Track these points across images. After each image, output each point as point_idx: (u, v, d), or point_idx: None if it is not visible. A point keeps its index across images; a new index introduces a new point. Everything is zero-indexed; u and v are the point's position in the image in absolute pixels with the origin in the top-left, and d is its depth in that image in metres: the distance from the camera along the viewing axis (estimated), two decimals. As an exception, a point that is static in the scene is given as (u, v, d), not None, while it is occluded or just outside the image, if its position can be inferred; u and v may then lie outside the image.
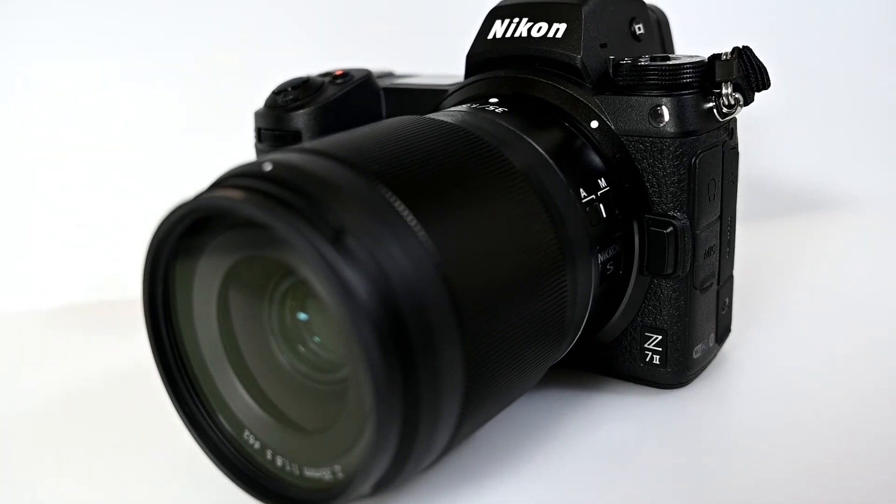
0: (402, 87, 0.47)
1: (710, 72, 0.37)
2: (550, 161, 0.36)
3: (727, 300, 0.42)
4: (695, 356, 0.40)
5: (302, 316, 0.32)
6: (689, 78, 0.36)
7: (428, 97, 0.44)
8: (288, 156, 0.30)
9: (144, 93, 0.65)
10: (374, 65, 0.50)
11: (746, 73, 0.37)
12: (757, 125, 0.65)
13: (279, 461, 0.32)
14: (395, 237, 0.28)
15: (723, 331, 0.42)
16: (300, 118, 0.43)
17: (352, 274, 0.26)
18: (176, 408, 0.33)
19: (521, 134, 0.36)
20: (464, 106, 0.39)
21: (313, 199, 0.28)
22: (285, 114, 0.44)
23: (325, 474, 0.31)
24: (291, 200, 0.27)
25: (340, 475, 0.30)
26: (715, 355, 0.42)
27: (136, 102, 0.65)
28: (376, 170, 0.30)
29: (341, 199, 0.28)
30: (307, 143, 0.32)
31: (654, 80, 0.37)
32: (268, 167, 0.29)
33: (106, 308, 0.56)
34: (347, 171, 0.29)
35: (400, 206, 0.29)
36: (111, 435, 0.39)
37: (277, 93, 0.45)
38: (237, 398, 0.33)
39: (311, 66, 0.50)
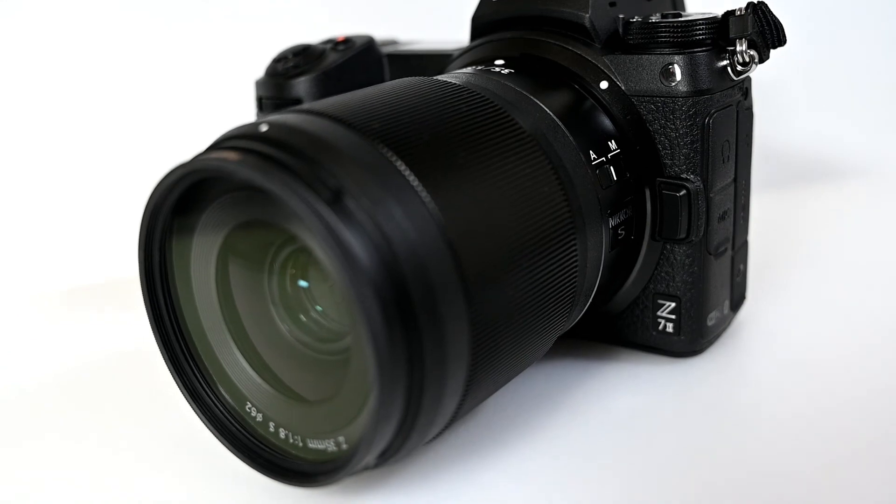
0: (405, 52, 0.45)
1: (723, 28, 0.35)
2: (559, 123, 0.35)
3: (742, 266, 0.41)
4: (709, 323, 0.38)
5: (303, 283, 0.31)
6: (702, 35, 0.35)
7: (433, 62, 0.43)
8: (285, 116, 0.29)
9: (144, 63, 0.64)
10: (378, 33, 0.49)
11: (761, 29, 0.35)
12: (773, 90, 0.64)
13: (282, 433, 0.31)
14: (397, 199, 0.27)
15: (738, 298, 0.41)
16: (301, 85, 0.42)
17: (352, 237, 0.25)
18: (176, 380, 0.32)
19: (529, 95, 0.35)
20: (469, 68, 0.38)
21: (311, 159, 0.26)
22: (286, 81, 0.43)
23: (328, 445, 0.30)
24: (288, 161, 0.26)
25: (344, 446, 0.29)
26: (730, 323, 0.41)
27: (137, 73, 0.64)
28: (377, 129, 0.28)
29: (340, 160, 0.27)
30: (306, 105, 0.31)
31: (665, 37, 0.35)
32: (264, 128, 0.28)
33: (109, 287, 0.55)
34: (347, 130, 0.28)
35: (402, 166, 0.28)
36: (113, 411, 0.38)
37: (278, 60, 0.44)
38: (238, 369, 0.32)
39: (314, 35, 0.49)
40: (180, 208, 0.30)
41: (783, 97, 0.69)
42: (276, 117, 0.29)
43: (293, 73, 0.42)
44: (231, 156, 0.27)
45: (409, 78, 0.35)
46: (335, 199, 0.26)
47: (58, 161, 0.63)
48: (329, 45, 0.44)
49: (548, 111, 0.35)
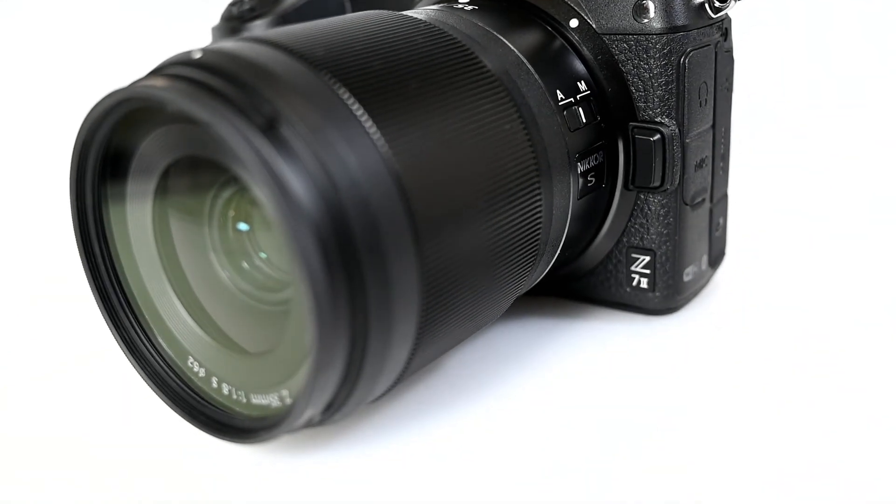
0: (370, -4, 0.43)
1: (700, -39, 0.33)
2: (525, 61, 0.32)
3: (721, 220, 0.39)
4: (685, 279, 0.36)
5: (242, 226, 0.29)
6: (678, -33, 0.33)
7: (399, 5, 0.40)
8: (223, 43, 0.27)
9: (99, 15, 0.61)
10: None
11: (741, -38, 0.33)
12: (762, 40, 0.61)
13: (225, 389, 0.29)
14: (341, 132, 0.25)
15: (717, 254, 0.39)
16: (257, 30, 0.40)
17: (287, 167, 0.23)
18: (112, 332, 0.30)
19: (494, 33, 0.33)
20: (434, 6, 0.36)
21: (244, 85, 0.24)
22: (241, 25, 0.40)
23: (272, 400, 0.28)
24: (219, 87, 0.24)
25: (288, 401, 0.27)
26: (708, 280, 0.39)
27: (90, 25, 0.61)
28: (321, 56, 0.26)
29: (277, 86, 0.25)
30: (248, 34, 0.29)
31: (638, -30, 0.33)
32: (198, 54, 0.26)
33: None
34: (287, 57, 0.26)
35: (346, 94, 0.25)
36: (112, 407, 0.33)
37: (233, 4, 0.41)
38: (179, 321, 0.30)
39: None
40: (113, 145, 0.28)
41: (772, 47, 0.66)
42: (214, 44, 0.27)
43: (249, 17, 0.40)
44: (159, 82, 0.25)
45: (366, 11, 0.32)
46: (269, 127, 0.23)
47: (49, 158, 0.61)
48: (288, -12, 0.42)
49: (513, 49, 0.32)
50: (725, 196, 0.39)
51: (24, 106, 0.63)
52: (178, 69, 0.25)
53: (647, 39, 0.33)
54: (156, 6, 0.65)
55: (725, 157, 0.38)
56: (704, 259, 0.38)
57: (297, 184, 0.23)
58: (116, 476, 0.28)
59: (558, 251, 0.34)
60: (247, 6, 0.40)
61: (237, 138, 0.23)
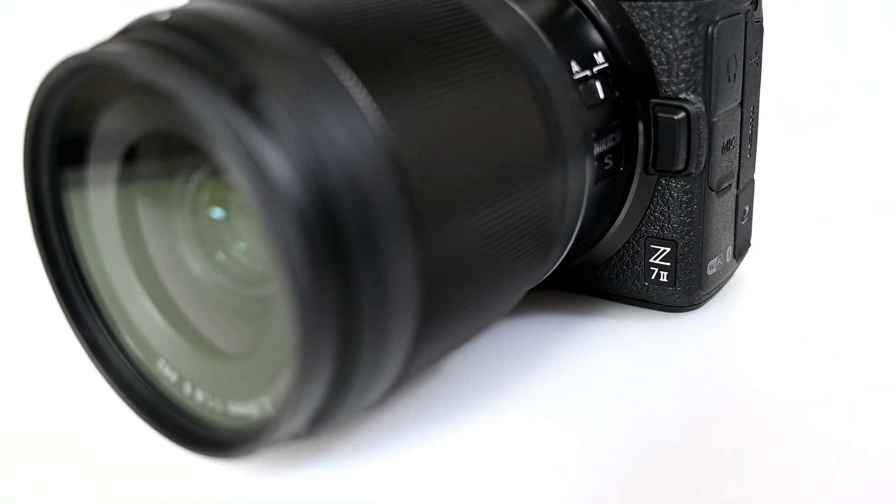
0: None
1: (731, -81, 0.30)
2: (537, 30, 0.29)
3: (747, 208, 0.35)
4: (709, 272, 0.33)
5: (217, 213, 0.25)
6: (707, -74, 0.30)
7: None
8: (195, 3, 0.24)
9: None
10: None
11: (776, -79, 0.30)
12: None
13: (199, 396, 0.26)
14: (329, 103, 0.22)
15: (742, 245, 0.36)
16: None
17: (266, 145, 0.20)
18: (74, 331, 0.27)
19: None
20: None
21: (215, 47, 0.21)
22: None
23: (251, 410, 0.25)
24: (186, 49, 0.21)
25: (269, 409, 0.24)
26: (732, 273, 0.36)
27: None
28: (307, 18, 0.23)
29: (255, 50, 0.21)
30: (225, -5, 0.25)
31: (662, -71, 0.30)
32: (165, 16, 0.23)
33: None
34: (267, 17, 0.23)
35: (337, 63, 0.22)
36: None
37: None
38: (148, 320, 0.27)
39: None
40: (70, 121, 0.25)
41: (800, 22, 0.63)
42: (185, 6, 0.24)
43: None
44: (120, 47, 0.22)
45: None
46: (244, 97, 0.20)
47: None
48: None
49: (523, 15, 0.29)
50: (752, 181, 0.36)
51: (24, 105, 0.60)
52: (142, 32, 0.22)
53: (671, 6, 0.30)
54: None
55: (753, 139, 0.35)
56: (729, 250, 0.35)
57: (277, 162, 0.20)
58: (116, 476, 0.27)
59: (571, 241, 0.31)
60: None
61: (206, 109, 0.20)
